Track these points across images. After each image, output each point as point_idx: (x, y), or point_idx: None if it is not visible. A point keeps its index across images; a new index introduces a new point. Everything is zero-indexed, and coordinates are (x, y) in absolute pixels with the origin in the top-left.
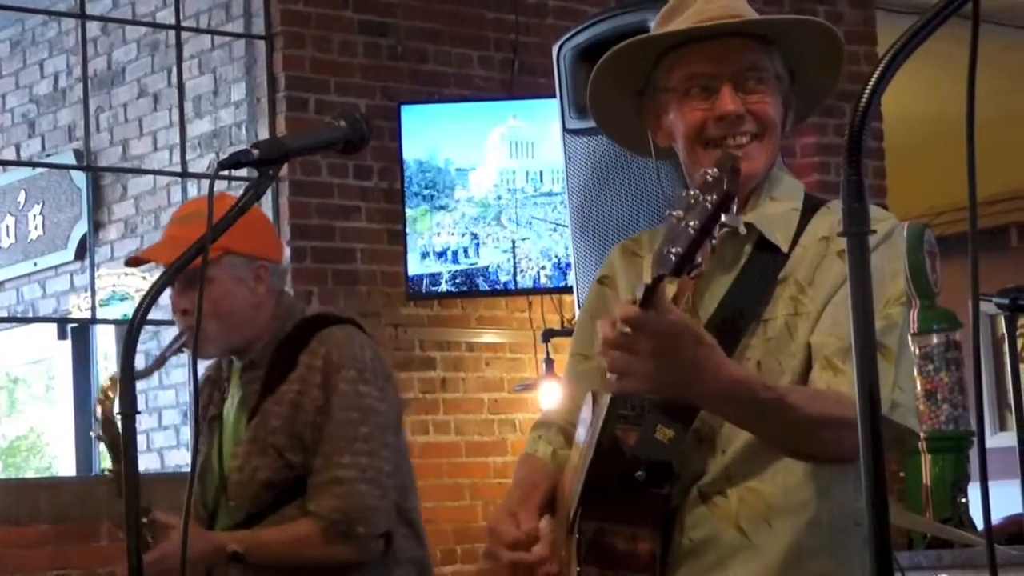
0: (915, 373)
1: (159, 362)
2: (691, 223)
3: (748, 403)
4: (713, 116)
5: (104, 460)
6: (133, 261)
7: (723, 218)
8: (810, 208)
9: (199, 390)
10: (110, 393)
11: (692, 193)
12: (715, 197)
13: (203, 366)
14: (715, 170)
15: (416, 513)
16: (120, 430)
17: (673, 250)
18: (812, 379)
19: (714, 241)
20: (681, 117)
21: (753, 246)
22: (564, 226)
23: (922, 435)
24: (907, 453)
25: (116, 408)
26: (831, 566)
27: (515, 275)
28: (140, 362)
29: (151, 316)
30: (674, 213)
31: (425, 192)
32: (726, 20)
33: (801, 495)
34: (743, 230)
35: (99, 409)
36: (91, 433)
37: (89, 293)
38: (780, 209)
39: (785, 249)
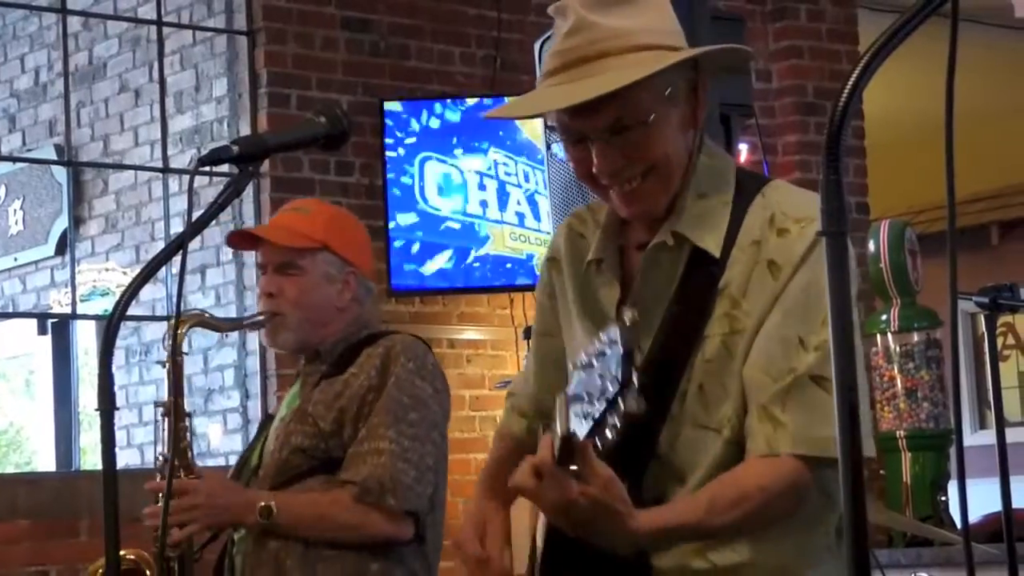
0: (896, 371)
1: (236, 324)
2: (598, 400)
3: (666, 542)
4: (595, 167)
5: (85, 459)
6: (240, 238)
7: (621, 405)
8: (744, 196)
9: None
10: (184, 329)
11: (600, 350)
12: (616, 380)
13: (184, 359)
14: (616, 333)
15: (431, 535)
16: (182, 362)
17: (588, 411)
18: (750, 429)
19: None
20: (569, 157)
21: (688, 255)
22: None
23: (902, 433)
24: (888, 451)
25: (185, 346)
26: None
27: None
28: (120, 359)
29: (131, 312)
30: (593, 359)
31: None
32: (570, 98)
33: None
34: (670, 242)
35: (170, 338)
36: (156, 362)
37: (69, 288)
38: (709, 207)
39: (718, 254)
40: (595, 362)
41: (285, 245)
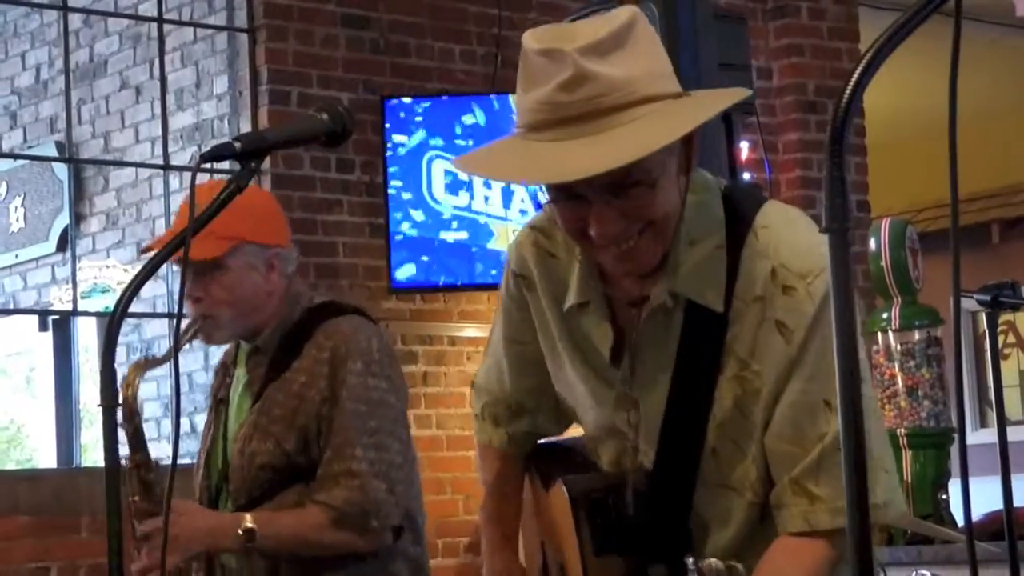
0: (896, 369)
1: (175, 349)
2: None
3: None
4: (590, 226)
5: (86, 456)
6: (147, 251)
7: None
8: (736, 235)
9: (215, 373)
10: (134, 379)
11: None
12: None
13: (185, 356)
14: None
15: (416, 510)
16: (141, 421)
17: None
18: (782, 502)
19: None
20: (557, 213)
21: (684, 311)
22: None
23: (903, 431)
24: None
25: (139, 396)
26: None
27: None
28: (121, 355)
29: (132, 309)
30: None
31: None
32: (589, 165)
33: None
34: (670, 303)
35: (121, 397)
36: (120, 425)
37: (70, 285)
38: (702, 255)
39: (720, 309)
40: None
41: (204, 259)
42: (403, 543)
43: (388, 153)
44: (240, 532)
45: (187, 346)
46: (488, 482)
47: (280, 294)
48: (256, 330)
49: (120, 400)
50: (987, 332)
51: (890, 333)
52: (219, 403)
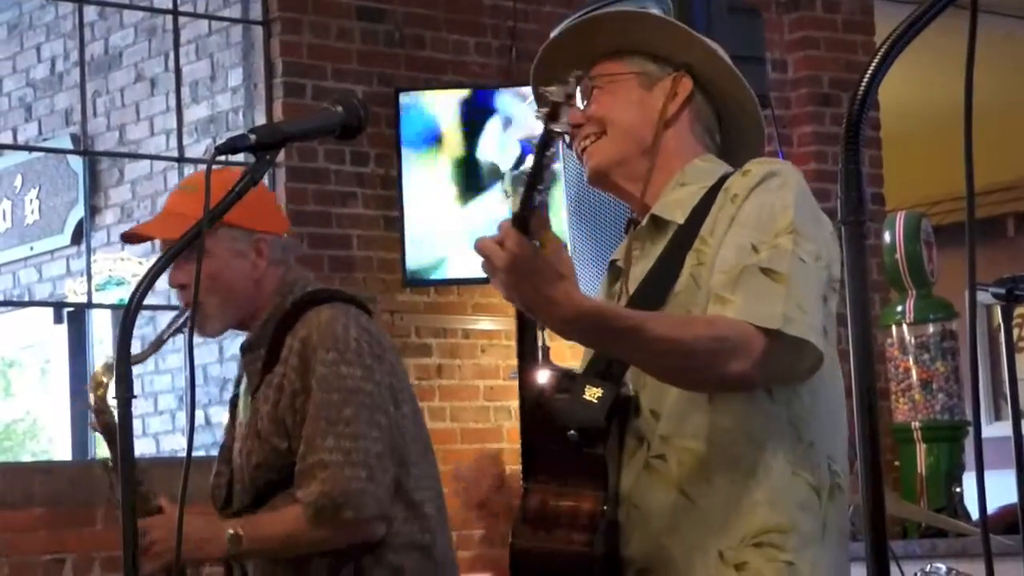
0: (911, 362)
1: (156, 345)
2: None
3: (601, 332)
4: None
5: (100, 448)
6: (129, 237)
7: (547, 152)
8: (724, 181)
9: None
10: (103, 380)
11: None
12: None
13: (200, 348)
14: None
15: (421, 492)
16: (115, 417)
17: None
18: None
19: (553, 162)
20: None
21: (673, 232)
22: None
23: (917, 425)
24: (902, 442)
25: (111, 395)
26: (774, 518)
27: None
28: (136, 347)
29: (147, 301)
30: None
31: None
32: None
33: (734, 448)
34: (645, 222)
35: (92, 397)
36: (89, 424)
37: (85, 277)
38: (685, 192)
39: (681, 220)
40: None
41: (168, 240)
42: (404, 530)
43: (402, 146)
44: (226, 539)
45: (171, 341)
46: None
47: (273, 282)
48: (248, 320)
49: (91, 402)
50: (1002, 325)
51: (904, 326)
52: (232, 401)
